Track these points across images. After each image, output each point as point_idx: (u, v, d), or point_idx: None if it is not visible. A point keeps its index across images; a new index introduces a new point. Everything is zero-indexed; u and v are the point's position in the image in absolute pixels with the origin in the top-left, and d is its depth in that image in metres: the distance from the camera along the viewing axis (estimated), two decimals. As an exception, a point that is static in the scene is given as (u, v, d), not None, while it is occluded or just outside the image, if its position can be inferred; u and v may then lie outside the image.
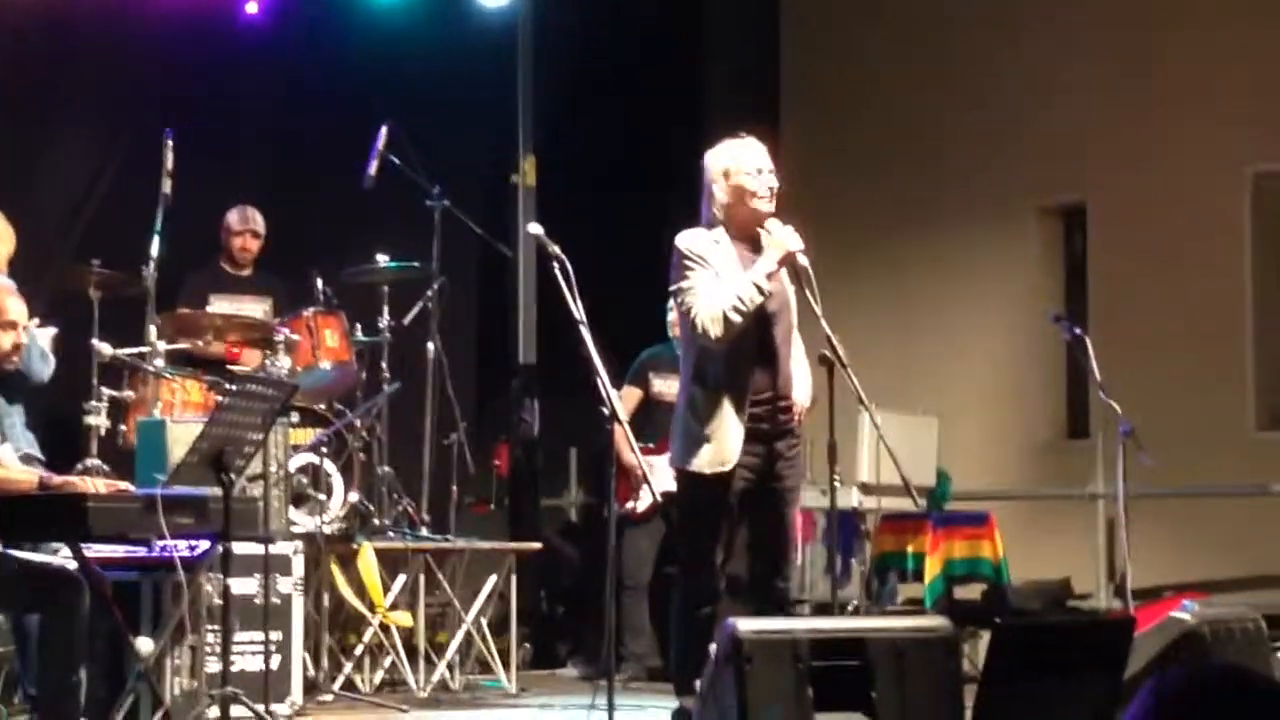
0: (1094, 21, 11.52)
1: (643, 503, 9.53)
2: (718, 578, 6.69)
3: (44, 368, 7.90)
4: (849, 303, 7.07)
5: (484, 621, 9.33)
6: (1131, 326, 11.01)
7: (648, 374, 9.72)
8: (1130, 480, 9.04)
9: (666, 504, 7.99)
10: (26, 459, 7.37)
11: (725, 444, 6.58)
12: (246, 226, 9.91)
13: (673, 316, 9.41)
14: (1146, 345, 10.91)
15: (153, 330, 8.55)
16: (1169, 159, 11.09)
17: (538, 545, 10.01)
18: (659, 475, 8.49)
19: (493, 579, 9.34)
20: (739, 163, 6.76)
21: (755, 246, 6.75)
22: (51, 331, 8.17)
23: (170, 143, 8.82)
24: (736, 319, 6.53)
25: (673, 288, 6.83)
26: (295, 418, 8.81)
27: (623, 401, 7.20)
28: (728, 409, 6.59)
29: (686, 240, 6.75)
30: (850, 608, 9.51)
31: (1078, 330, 9.30)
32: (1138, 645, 6.01)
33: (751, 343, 6.64)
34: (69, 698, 6.04)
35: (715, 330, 6.55)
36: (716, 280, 6.62)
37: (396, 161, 9.51)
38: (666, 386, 9.47)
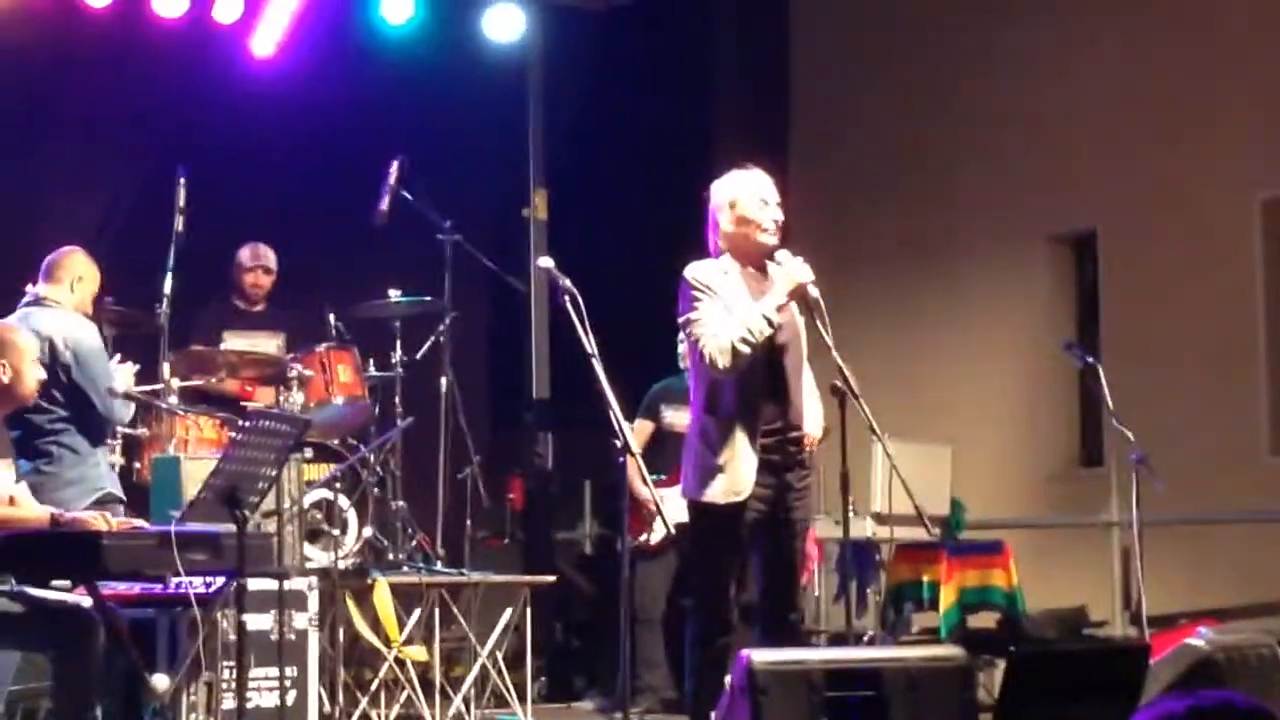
0: (1105, 51, 11.52)
1: (656, 535, 9.53)
2: (731, 609, 6.68)
3: (125, 410, 7.90)
4: (860, 333, 7.07)
5: (499, 655, 9.33)
6: (1143, 354, 11.00)
7: (659, 406, 9.72)
8: (1144, 507, 9.03)
9: (679, 536, 7.98)
10: (107, 500, 7.42)
11: (739, 474, 6.58)
12: (258, 263, 9.94)
13: (683, 348, 9.43)
14: (1159, 372, 10.89)
15: (166, 367, 8.58)
16: (1179, 186, 11.08)
17: (552, 578, 10.01)
18: (670, 507, 8.50)
19: (508, 612, 9.34)
20: (744, 194, 6.78)
21: (762, 275, 6.76)
22: (131, 368, 8.19)
23: (183, 180, 8.86)
24: (745, 350, 6.53)
25: (681, 319, 6.84)
26: (309, 453, 8.83)
27: (635, 435, 7.20)
28: (740, 439, 6.59)
29: (694, 271, 6.76)
30: (865, 638, 9.50)
31: (1090, 358, 9.30)
32: (1153, 672, 6.01)
33: (762, 374, 6.65)
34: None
35: (723, 361, 6.56)
36: (725, 311, 6.63)
37: (408, 196, 9.54)
38: (677, 417, 9.47)
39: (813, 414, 6.85)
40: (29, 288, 7.89)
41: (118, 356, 8.26)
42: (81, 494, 7.45)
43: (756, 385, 6.65)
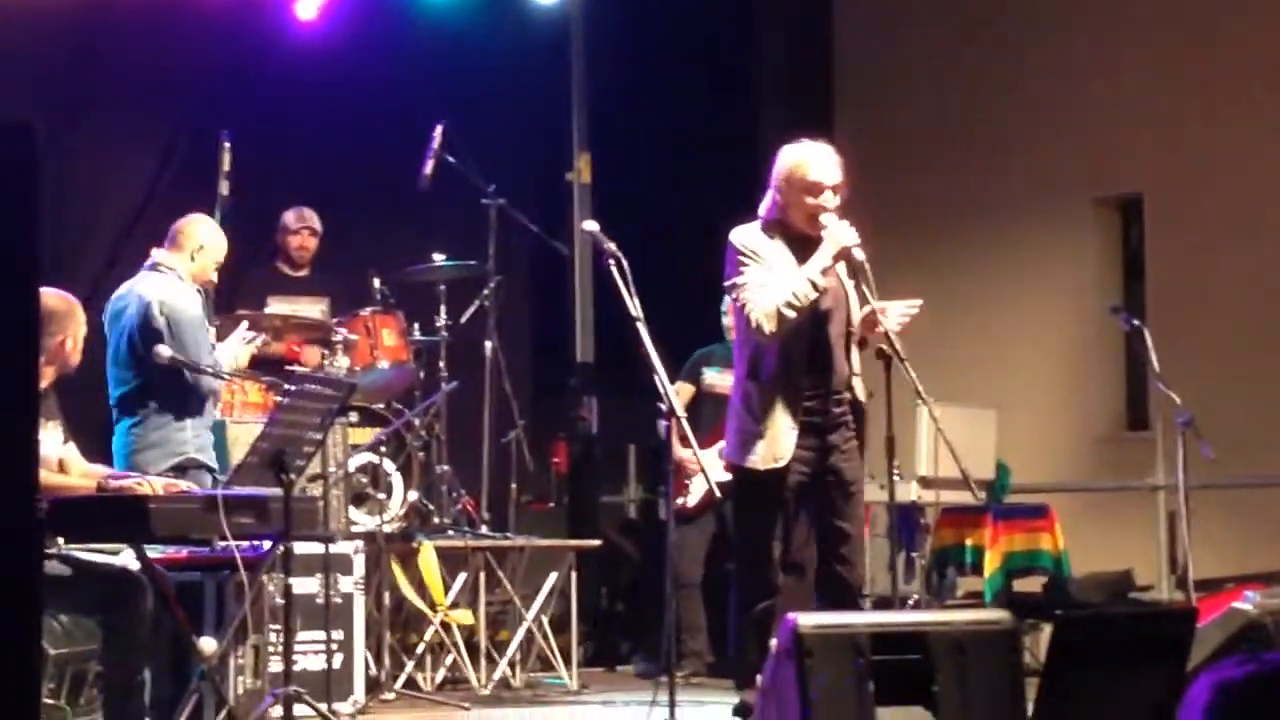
0: (1151, 11, 11.46)
1: (693, 498, 9.53)
2: (775, 572, 6.68)
3: (214, 381, 7.91)
4: (905, 295, 7.02)
5: (544, 619, 9.35)
6: (1189, 317, 10.95)
7: (700, 369, 9.71)
8: (1190, 471, 9.00)
9: (721, 498, 7.98)
10: (189, 467, 7.46)
11: (779, 440, 6.58)
12: (304, 224, 9.95)
13: (728, 316, 9.43)
14: (1205, 336, 10.85)
15: (212, 332, 8.60)
16: (1224, 150, 11.03)
17: (597, 542, 10.02)
18: (710, 468, 8.52)
19: (553, 576, 9.35)
20: (806, 169, 6.75)
21: (808, 243, 6.74)
22: (249, 343, 8.25)
23: (227, 145, 8.87)
24: (790, 315, 6.53)
25: (727, 283, 6.84)
26: (354, 417, 8.85)
27: (679, 397, 7.23)
28: (782, 405, 6.59)
29: (740, 236, 6.75)
30: (911, 602, 9.49)
31: (1136, 321, 9.27)
32: (1200, 636, 5.99)
33: (805, 339, 6.64)
34: (133, 698, 6.08)
35: (769, 326, 6.55)
36: (770, 276, 6.62)
37: (451, 160, 9.54)
38: (719, 379, 9.46)
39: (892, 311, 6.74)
40: (153, 251, 7.98)
41: (244, 325, 8.30)
42: (162, 457, 7.54)
43: (800, 350, 6.64)
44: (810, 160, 6.77)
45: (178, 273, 7.82)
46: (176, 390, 7.65)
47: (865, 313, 6.74)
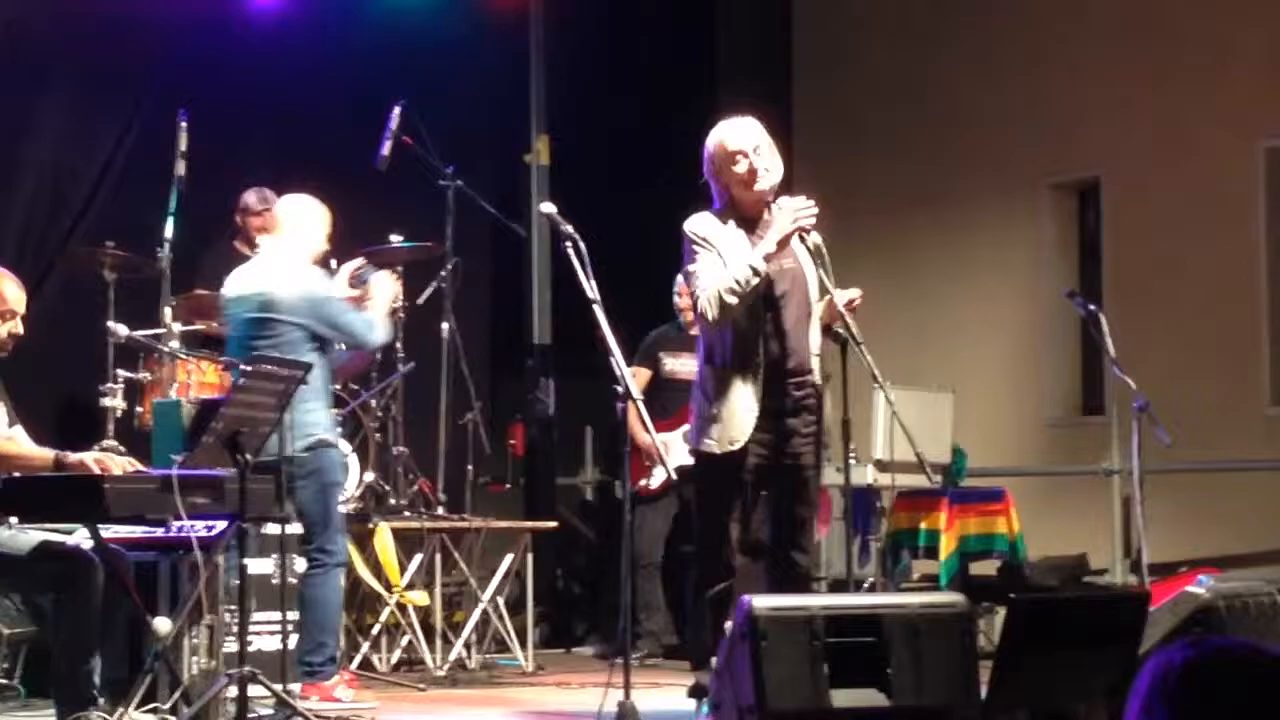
0: (1108, -3, 11.52)
1: (655, 480, 9.55)
2: (733, 554, 6.69)
3: (368, 332, 7.95)
4: (862, 279, 7.02)
5: (500, 600, 9.36)
6: (1145, 302, 11.00)
7: (657, 353, 9.75)
8: (1145, 456, 9.05)
9: (680, 481, 8.00)
10: (317, 448, 7.65)
11: (734, 422, 6.58)
12: (266, 205, 9.89)
13: (679, 299, 9.45)
14: (1160, 321, 10.90)
15: (168, 312, 8.57)
16: (1182, 135, 11.07)
17: (554, 524, 10.03)
18: (672, 452, 8.52)
19: (509, 558, 9.37)
20: (724, 142, 6.75)
21: (759, 222, 6.74)
22: (388, 287, 8.25)
23: (184, 124, 8.83)
24: (732, 301, 6.52)
25: (682, 271, 6.86)
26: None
27: (636, 380, 7.25)
28: (737, 389, 6.59)
29: (693, 224, 6.76)
30: (866, 585, 9.52)
31: (1091, 306, 9.31)
32: (1153, 620, 6.03)
33: (760, 322, 6.64)
34: (85, 678, 6.06)
35: (712, 313, 6.56)
36: (718, 262, 6.62)
37: (409, 142, 9.51)
38: (679, 365, 9.50)
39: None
40: (260, 237, 8.07)
41: (385, 272, 8.28)
42: (294, 439, 7.57)
43: (755, 334, 6.63)
44: (723, 133, 6.78)
45: (283, 255, 7.93)
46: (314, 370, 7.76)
47: (825, 300, 6.74)
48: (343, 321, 7.84)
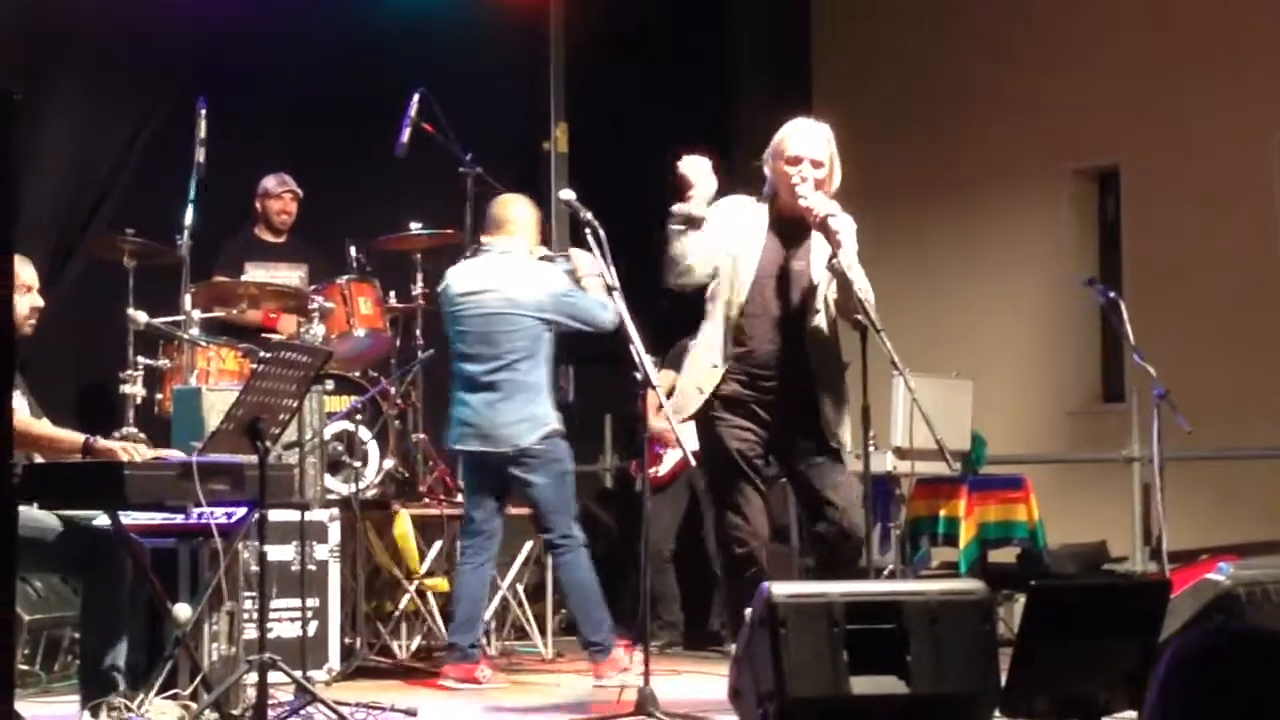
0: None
1: (664, 468, 9.56)
2: (742, 532, 6.66)
3: (603, 313, 7.97)
4: (882, 266, 7.01)
5: (520, 587, 9.36)
6: (1165, 289, 10.97)
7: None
8: (1165, 443, 9.03)
9: (696, 466, 8.01)
10: (550, 437, 7.97)
11: (697, 371, 6.71)
12: (285, 188, 9.94)
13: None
14: (1181, 308, 10.88)
15: (188, 299, 8.58)
16: (1201, 122, 11.04)
17: (573, 511, 10.02)
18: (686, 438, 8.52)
19: (529, 545, 9.36)
20: (786, 143, 6.75)
21: (795, 227, 6.71)
22: (587, 258, 8.14)
23: (203, 111, 8.83)
24: (671, 253, 6.65)
25: None
26: (330, 385, 8.84)
27: (661, 383, 7.25)
28: (704, 351, 6.71)
29: (718, 202, 6.77)
30: (886, 572, 9.51)
31: (1111, 293, 9.29)
32: (1173, 607, 6.01)
33: (734, 313, 6.67)
34: (110, 662, 6.08)
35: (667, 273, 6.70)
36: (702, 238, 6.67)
37: (429, 129, 9.51)
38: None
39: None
40: (483, 238, 8.27)
41: (579, 250, 8.32)
42: (529, 430, 7.94)
43: (729, 324, 6.67)
44: (791, 134, 6.77)
45: (515, 253, 8.17)
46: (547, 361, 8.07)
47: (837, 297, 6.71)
48: (581, 309, 8.03)
